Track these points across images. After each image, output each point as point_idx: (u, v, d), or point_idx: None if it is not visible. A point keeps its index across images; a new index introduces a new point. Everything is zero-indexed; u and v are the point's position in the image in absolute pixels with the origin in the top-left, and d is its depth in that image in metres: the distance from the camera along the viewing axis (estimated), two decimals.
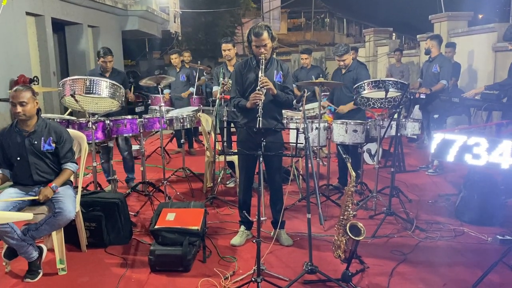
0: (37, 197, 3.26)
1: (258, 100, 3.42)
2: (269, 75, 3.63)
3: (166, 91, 7.47)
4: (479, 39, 8.18)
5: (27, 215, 3.03)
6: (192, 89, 7.51)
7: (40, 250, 3.35)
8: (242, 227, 3.92)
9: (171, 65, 7.72)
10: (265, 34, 3.49)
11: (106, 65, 5.21)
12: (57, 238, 3.32)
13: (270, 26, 3.61)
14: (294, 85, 6.87)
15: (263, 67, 3.50)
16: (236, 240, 3.85)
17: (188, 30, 19.82)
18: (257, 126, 3.29)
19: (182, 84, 7.42)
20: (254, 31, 3.50)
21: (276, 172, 3.79)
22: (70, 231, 3.60)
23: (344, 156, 3.55)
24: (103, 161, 5.21)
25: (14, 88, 3.34)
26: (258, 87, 3.49)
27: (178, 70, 7.45)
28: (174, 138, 7.86)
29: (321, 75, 5.15)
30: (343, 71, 5.01)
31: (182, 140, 6.09)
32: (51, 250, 3.50)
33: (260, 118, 3.32)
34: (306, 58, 6.92)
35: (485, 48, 7.96)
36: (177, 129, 5.31)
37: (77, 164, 3.56)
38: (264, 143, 3.16)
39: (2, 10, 6.98)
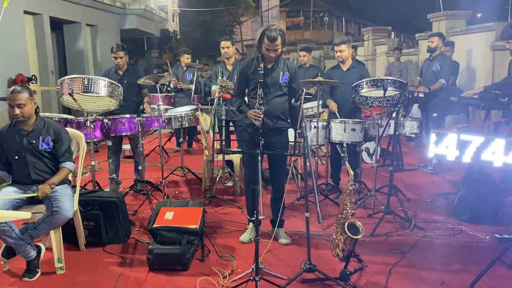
0: (35, 194, 3.25)
1: (257, 121, 3.48)
2: (274, 77, 3.63)
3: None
4: (478, 38, 8.19)
5: (25, 214, 3.03)
6: (193, 86, 7.52)
7: (38, 249, 3.34)
8: (251, 224, 3.93)
9: (178, 64, 7.70)
10: (279, 40, 3.47)
11: (117, 61, 5.10)
12: (55, 237, 3.32)
13: (283, 31, 3.59)
14: None
15: (261, 98, 3.51)
16: (245, 237, 3.86)
17: (186, 29, 19.80)
18: (260, 125, 3.33)
19: (188, 83, 7.45)
20: (269, 35, 3.45)
21: (280, 171, 3.78)
22: (68, 230, 3.60)
23: (342, 155, 3.55)
24: (111, 159, 5.17)
25: (11, 90, 3.30)
26: (257, 104, 3.51)
27: (185, 69, 7.48)
28: (173, 137, 7.85)
29: (319, 75, 5.13)
30: (344, 68, 4.96)
31: (181, 139, 6.09)
32: (49, 249, 3.50)
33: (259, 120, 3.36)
34: (304, 56, 6.91)
35: (484, 47, 7.96)
36: (176, 128, 5.30)
37: (74, 163, 3.56)
38: (263, 141, 3.18)
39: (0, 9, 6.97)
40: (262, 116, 3.50)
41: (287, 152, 3.65)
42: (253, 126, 3.52)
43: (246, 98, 3.84)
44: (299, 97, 3.37)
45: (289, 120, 3.74)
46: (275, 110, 3.63)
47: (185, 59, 7.51)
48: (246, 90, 3.82)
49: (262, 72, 3.51)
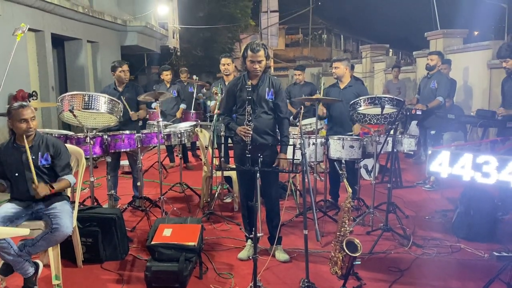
0: (34, 186, 3.22)
1: (247, 137, 3.60)
2: (261, 94, 3.70)
3: (155, 104, 7.46)
4: (474, 56, 8.28)
5: (24, 231, 3.02)
6: (183, 105, 7.52)
7: (36, 266, 3.32)
8: (249, 241, 3.93)
9: (161, 81, 7.67)
10: (262, 51, 3.59)
11: (125, 75, 5.15)
12: (53, 254, 3.30)
13: (266, 45, 3.71)
14: (287, 101, 6.94)
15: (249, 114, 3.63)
16: (243, 254, 3.86)
17: (186, 45, 19.98)
18: (248, 142, 3.41)
19: (173, 100, 7.42)
20: (252, 47, 3.59)
21: (271, 187, 3.80)
22: (66, 246, 3.58)
23: (341, 172, 3.57)
24: (110, 175, 5.17)
25: (18, 105, 3.31)
26: (246, 121, 3.62)
27: (168, 86, 7.48)
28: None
29: (317, 91, 5.19)
30: (342, 86, 5.02)
31: (180, 155, 6.10)
32: (47, 266, 3.48)
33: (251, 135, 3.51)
34: (299, 75, 7.08)
35: (480, 65, 8.05)
36: (175, 144, 5.31)
37: (74, 178, 3.56)
38: (261, 158, 3.20)
39: (1, 26, 7.05)
40: (251, 132, 3.61)
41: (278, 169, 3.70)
42: (241, 143, 3.63)
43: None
44: (297, 115, 3.41)
45: (277, 136, 3.81)
46: (262, 127, 3.71)
47: (165, 76, 7.51)
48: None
49: (250, 89, 3.61)
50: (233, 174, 5.24)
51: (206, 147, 5.43)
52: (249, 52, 3.59)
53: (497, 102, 6.53)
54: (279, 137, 3.84)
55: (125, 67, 5.17)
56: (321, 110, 4.91)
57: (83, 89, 9.47)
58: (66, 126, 7.65)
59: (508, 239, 4.14)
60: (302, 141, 3.36)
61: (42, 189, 3.24)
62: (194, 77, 8.32)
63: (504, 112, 4.88)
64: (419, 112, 6.09)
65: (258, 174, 3.17)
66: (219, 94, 5.09)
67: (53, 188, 3.31)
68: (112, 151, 4.66)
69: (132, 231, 4.48)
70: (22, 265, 3.19)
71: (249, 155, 3.43)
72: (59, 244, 3.34)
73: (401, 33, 34.92)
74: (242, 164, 3.59)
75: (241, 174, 3.86)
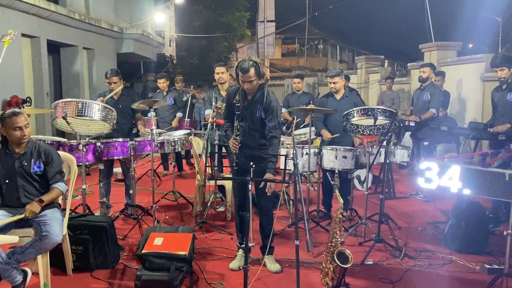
0: (23, 216, 3.20)
1: (234, 150, 3.62)
2: (253, 109, 3.70)
3: (151, 114, 7.45)
4: (468, 69, 8.36)
5: (13, 238, 3.00)
6: (180, 114, 7.52)
7: (25, 274, 3.28)
8: (240, 251, 3.91)
9: (159, 91, 7.65)
10: (252, 71, 3.48)
11: (111, 87, 5.13)
12: (42, 262, 3.27)
13: (259, 62, 3.58)
14: (285, 110, 6.98)
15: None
16: (234, 264, 3.84)
17: (183, 54, 20.03)
18: (235, 151, 3.48)
19: (169, 107, 7.42)
20: (241, 67, 3.50)
21: (263, 197, 3.79)
22: (55, 254, 3.55)
23: (332, 183, 3.57)
24: (102, 183, 5.15)
25: (10, 113, 3.30)
26: (234, 135, 3.64)
27: (165, 94, 7.48)
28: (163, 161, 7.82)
29: (311, 102, 5.21)
30: (338, 97, 5.05)
31: (174, 163, 6.08)
32: (35, 273, 3.44)
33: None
34: (298, 82, 7.12)
35: (474, 77, 8.12)
36: (168, 152, 5.30)
37: (66, 185, 3.54)
38: (253, 167, 3.21)
39: None
40: (238, 146, 3.63)
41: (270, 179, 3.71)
42: (234, 153, 3.65)
43: None
44: (290, 125, 3.42)
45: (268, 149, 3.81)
46: (253, 141, 3.72)
47: (160, 84, 7.49)
48: None
49: (239, 105, 3.60)
50: (226, 183, 5.23)
51: (199, 155, 5.42)
52: (239, 73, 3.53)
53: (490, 115, 6.58)
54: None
55: (113, 79, 5.11)
56: (327, 135, 4.92)
57: (78, 96, 9.47)
58: (60, 133, 7.62)
59: (499, 251, 4.14)
60: (294, 152, 3.37)
61: (32, 212, 3.21)
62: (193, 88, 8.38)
63: (504, 128, 4.77)
64: (412, 124, 6.13)
65: (250, 184, 3.17)
66: (214, 103, 5.09)
67: (43, 202, 3.29)
68: (105, 158, 4.64)
69: (124, 239, 4.45)
70: (10, 272, 3.15)
71: (236, 168, 3.45)
72: (48, 252, 3.31)
73: (396, 45, 35.28)
74: (236, 173, 3.60)
75: (236, 183, 3.86)
